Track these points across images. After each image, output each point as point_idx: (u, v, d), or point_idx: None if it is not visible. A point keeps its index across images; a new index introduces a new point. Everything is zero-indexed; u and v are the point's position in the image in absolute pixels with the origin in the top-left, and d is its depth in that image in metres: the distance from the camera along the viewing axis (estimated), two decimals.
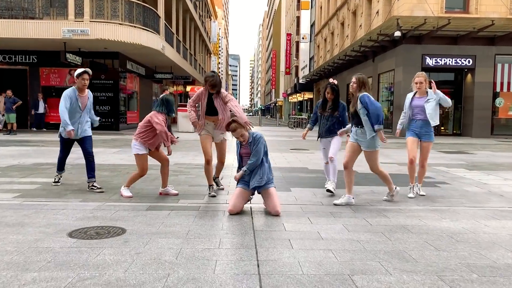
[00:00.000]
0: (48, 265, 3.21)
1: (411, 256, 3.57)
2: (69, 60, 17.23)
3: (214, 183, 6.23)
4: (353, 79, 5.58)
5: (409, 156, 6.28)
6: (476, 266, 3.34)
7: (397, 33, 18.18)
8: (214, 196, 5.86)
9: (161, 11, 20.89)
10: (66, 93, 6.13)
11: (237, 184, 5.19)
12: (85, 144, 6.30)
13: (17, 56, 19.79)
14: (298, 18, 59.60)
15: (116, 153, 10.97)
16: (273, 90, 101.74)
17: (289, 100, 70.27)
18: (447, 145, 15.59)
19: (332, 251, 3.66)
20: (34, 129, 19.65)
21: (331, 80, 6.41)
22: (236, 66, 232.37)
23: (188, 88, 37.02)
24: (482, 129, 20.31)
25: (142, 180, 7.15)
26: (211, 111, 5.92)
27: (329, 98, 6.35)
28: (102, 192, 6.08)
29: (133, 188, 6.38)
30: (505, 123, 20.92)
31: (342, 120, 6.39)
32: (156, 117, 5.67)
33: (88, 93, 6.41)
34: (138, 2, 18.74)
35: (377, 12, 23.88)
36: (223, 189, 6.46)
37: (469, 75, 20.73)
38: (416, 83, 6.31)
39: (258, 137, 5.10)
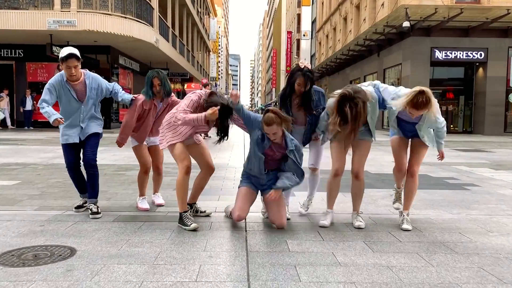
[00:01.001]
0: None
1: None
2: (55, 54, 16.14)
3: (188, 208, 4.06)
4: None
5: (396, 162, 4.23)
6: None
7: (406, 24, 17.07)
8: (195, 230, 3.74)
9: (155, 2, 19.80)
10: (49, 82, 4.25)
11: (241, 182, 4.05)
12: (87, 147, 4.31)
13: (1, 50, 18.70)
14: (298, 15, 58.49)
15: (100, 152, 9.91)
16: (274, 89, 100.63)
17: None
18: (460, 143, 14.49)
19: (356, 285, 2.58)
20: (31, 127, 18.62)
21: (301, 62, 4.16)
22: (237, 66, 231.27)
23: (185, 85, 35.97)
24: (495, 126, 19.20)
25: (120, 183, 6.09)
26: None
27: (298, 91, 4.07)
28: (96, 217, 4.15)
29: (106, 193, 5.31)
30: None
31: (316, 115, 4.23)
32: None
33: (86, 76, 4.28)
34: None
35: (382, 4, 22.77)
36: (208, 215, 4.34)
37: (480, 69, 19.62)
38: (413, 111, 3.69)
39: (299, 147, 3.87)
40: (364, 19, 26.22)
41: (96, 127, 4.41)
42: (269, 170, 3.95)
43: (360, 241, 3.48)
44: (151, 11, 19.00)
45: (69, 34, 16.11)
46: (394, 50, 21.04)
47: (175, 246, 3.28)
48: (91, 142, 4.33)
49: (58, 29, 15.25)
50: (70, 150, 4.35)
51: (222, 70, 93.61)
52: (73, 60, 4.06)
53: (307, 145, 4.41)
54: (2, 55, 18.75)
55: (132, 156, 8.59)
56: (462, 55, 18.99)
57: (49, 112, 4.07)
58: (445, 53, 18.93)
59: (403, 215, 4.02)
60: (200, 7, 41.10)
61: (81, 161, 4.36)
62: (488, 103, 19.20)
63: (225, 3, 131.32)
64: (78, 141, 4.31)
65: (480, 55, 18.98)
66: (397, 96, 3.86)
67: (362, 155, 4.05)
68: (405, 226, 3.89)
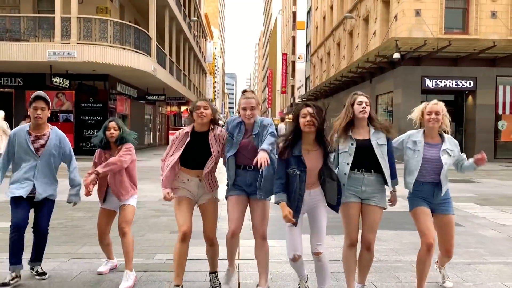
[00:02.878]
0: None
1: None
2: (55, 83, 16.54)
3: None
4: (365, 99, 3.59)
5: (426, 238, 3.64)
6: None
7: (396, 55, 17.63)
8: None
9: (152, 32, 20.33)
10: (11, 132, 4.16)
11: (228, 192, 3.76)
12: (40, 213, 4.08)
13: (1, 78, 19.08)
14: (293, 38, 59.56)
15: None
16: (270, 108, 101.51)
17: (286, 119, 69.88)
18: (450, 172, 14.84)
19: None
20: None
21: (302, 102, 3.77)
22: (233, 85, 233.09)
23: (182, 108, 36.49)
24: (485, 153, 19.59)
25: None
26: (195, 158, 3.73)
27: (309, 130, 3.33)
28: (43, 279, 4.07)
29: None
30: (509, 147, 20.27)
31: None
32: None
33: (52, 132, 4.12)
34: (129, 23, 18.23)
35: (374, 33, 23.44)
36: None
37: (470, 97, 20.15)
38: (430, 113, 3.68)
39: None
40: (357, 46, 26.89)
41: (51, 190, 4.16)
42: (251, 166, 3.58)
43: None
44: (149, 41, 19.51)
45: (68, 64, 16.52)
46: (386, 78, 21.60)
47: None
48: (45, 209, 4.10)
49: (58, 60, 15.66)
50: (18, 206, 3.97)
51: (218, 90, 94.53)
52: (40, 102, 3.98)
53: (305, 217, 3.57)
54: (2, 83, 19.13)
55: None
56: (452, 83, 19.51)
57: None
58: (435, 81, 19.46)
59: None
60: (197, 31, 41.90)
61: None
62: (478, 130, 19.66)
63: (221, 24, 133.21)
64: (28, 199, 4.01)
65: (469, 83, 19.52)
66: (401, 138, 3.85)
67: (375, 222, 3.59)
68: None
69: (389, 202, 3.71)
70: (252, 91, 3.76)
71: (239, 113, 3.73)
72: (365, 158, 3.50)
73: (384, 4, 22.40)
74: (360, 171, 3.51)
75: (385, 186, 3.61)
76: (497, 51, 18.30)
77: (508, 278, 4.26)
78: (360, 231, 3.63)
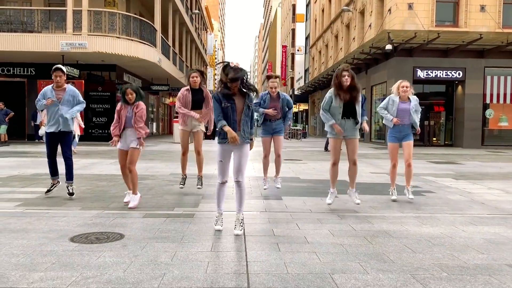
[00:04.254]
0: (53, 266, 3.48)
1: (388, 257, 3.86)
2: (67, 73, 17.53)
3: (186, 174, 7.30)
4: (346, 73, 5.66)
5: (392, 161, 6.88)
6: (448, 266, 3.64)
7: (388, 47, 18.63)
8: (181, 187, 7.22)
9: (157, 24, 21.30)
10: (43, 89, 6.52)
11: (261, 135, 7.20)
12: (63, 143, 6.50)
13: (15, 68, 20.10)
14: (293, 30, 60.33)
15: (113, 163, 11.23)
16: None
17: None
18: (438, 156, 15.93)
19: (316, 254, 3.94)
20: (40, 140, 19.92)
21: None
22: None
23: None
24: (473, 140, 20.71)
25: (139, 189, 7.41)
26: (195, 105, 6.87)
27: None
28: (71, 198, 6.45)
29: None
30: (496, 134, 21.35)
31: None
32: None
33: (68, 88, 6.43)
34: (135, 16, 19.17)
35: (370, 26, 24.40)
36: (199, 188, 7.23)
37: (459, 87, 21.20)
38: (403, 86, 6.71)
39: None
40: (354, 38, 27.85)
41: (68, 125, 6.47)
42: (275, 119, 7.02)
43: (326, 230, 4.84)
44: (154, 33, 20.49)
45: (79, 54, 17.53)
46: (380, 69, 22.60)
47: (194, 233, 4.62)
48: (66, 139, 6.53)
49: (70, 51, 16.65)
50: (50, 140, 6.53)
51: (218, 82, 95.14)
52: (58, 72, 6.28)
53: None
54: (16, 73, 20.14)
55: (140, 166, 9.98)
56: (442, 74, 20.54)
57: (40, 99, 6.33)
58: (426, 72, 20.48)
59: (407, 189, 6.81)
60: (198, 23, 42.75)
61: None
62: (467, 118, 20.73)
63: (221, 16, 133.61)
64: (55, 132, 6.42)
65: (459, 74, 20.55)
66: (385, 103, 6.89)
67: (354, 148, 5.99)
68: (410, 196, 6.72)
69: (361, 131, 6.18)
70: (277, 76, 7.03)
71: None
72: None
73: None
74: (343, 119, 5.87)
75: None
76: (485, 43, 19.31)
77: (459, 223, 5.32)
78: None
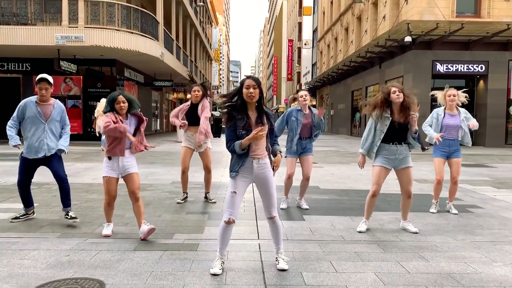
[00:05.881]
0: None
1: None
2: (63, 68, 16.43)
3: (187, 192, 6.60)
4: (396, 89, 4.72)
5: (437, 176, 6.00)
6: None
7: (408, 39, 17.35)
8: (178, 203, 6.33)
9: (160, 16, 20.12)
10: (22, 101, 5.16)
11: (286, 153, 5.88)
12: (53, 166, 5.16)
13: (9, 63, 19.01)
14: (299, 24, 58.93)
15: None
16: (275, 96, 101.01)
17: (291, 107, 69.50)
18: (463, 156, 14.66)
19: None
20: None
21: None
22: (237, 72, 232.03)
23: (189, 95, 36.22)
24: (496, 138, 19.42)
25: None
26: (192, 121, 6.28)
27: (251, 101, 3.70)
28: (75, 221, 5.16)
29: (123, 217, 5.51)
30: None
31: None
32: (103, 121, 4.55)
33: (55, 103, 5.20)
34: (136, 7, 17.99)
35: (384, 17, 23.09)
36: (214, 202, 6.47)
37: (481, 82, 19.88)
38: (450, 95, 5.80)
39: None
40: (366, 31, 26.53)
41: (56, 146, 5.20)
42: (305, 137, 5.98)
43: (371, 273, 3.68)
44: (156, 25, 19.31)
45: (76, 48, 16.40)
46: (396, 62, 21.31)
47: (197, 279, 3.47)
48: (55, 162, 5.19)
49: (66, 45, 15.52)
50: (27, 165, 5.22)
51: (223, 77, 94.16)
52: (44, 84, 5.00)
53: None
54: (10, 68, 19.05)
55: (144, 174, 8.80)
56: (463, 68, 19.24)
57: (9, 133, 5.11)
58: (446, 66, 19.19)
59: (449, 204, 6.12)
60: (203, 17, 41.51)
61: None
62: (489, 115, 19.43)
63: (226, 10, 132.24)
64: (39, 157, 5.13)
65: (481, 68, 19.24)
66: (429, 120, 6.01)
67: (410, 177, 4.93)
68: (454, 211, 6.01)
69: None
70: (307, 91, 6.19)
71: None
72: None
73: None
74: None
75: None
76: (510, 35, 17.98)
77: None
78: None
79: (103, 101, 14.16)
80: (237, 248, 4.33)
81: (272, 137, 3.85)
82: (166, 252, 4.17)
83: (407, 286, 3.40)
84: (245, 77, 3.63)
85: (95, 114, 10.60)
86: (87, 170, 9.86)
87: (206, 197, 6.61)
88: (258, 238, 4.68)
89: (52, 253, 4.09)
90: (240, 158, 3.62)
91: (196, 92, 6.28)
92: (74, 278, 3.48)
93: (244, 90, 3.56)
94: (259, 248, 4.33)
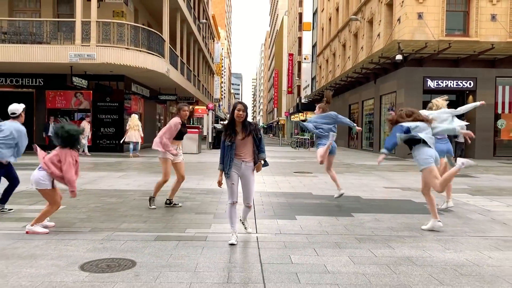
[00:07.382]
0: None
1: None
2: (75, 84, 17.50)
3: (155, 198, 7.32)
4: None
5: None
6: None
7: (399, 57, 18.43)
8: (154, 208, 7.06)
9: (166, 34, 21.26)
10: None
11: (318, 146, 7.82)
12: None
13: (23, 79, 20.11)
14: (300, 38, 60.36)
15: (122, 177, 11.07)
16: (275, 108, 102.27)
17: (292, 119, 70.62)
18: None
19: (339, 286, 3.73)
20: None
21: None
22: (239, 85, 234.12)
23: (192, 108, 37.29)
24: (485, 151, 20.38)
25: (148, 209, 7.23)
26: (178, 137, 7.17)
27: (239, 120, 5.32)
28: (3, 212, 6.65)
29: (141, 217, 6.46)
30: (507, 144, 21.01)
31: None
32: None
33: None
34: (144, 27, 19.12)
35: (378, 35, 24.23)
36: (180, 206, 7.32)
37: (470, 97, 20.91)
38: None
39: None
40: (362, 47, 27.68)
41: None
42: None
43: (346, 256, 4.63)
44: (162, 43, 20.44)
45: (87, 65, 17.47)
46: (389, 78, 22.38)
47: (208, 260, 4.43)
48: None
49: (78, 62, 16.61)
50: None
51: (224, 90, 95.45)
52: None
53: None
54: (24, 83, 20.15)
55: (149, 180, 9.77)
56: (453, 84, 20.29)
57: None
58: (436, 82, 20.24)
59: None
60: (205, 33, 42.82)
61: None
62: (478, 128, 20.37)
63: (227, 24, 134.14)
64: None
65: (470, 84, 20.28)
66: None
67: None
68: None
69: None
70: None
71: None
72: None
73: (388, 7, 23.19)
74: None
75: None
76: (497, 53, 19.05)
77: (483, 247, 5.09)
78: None
79: (134, 116, 16.95)
80: (239, 239, 5.29)
81: (260, 145, 5.12)
82: (181, 241, 5.13)
83: (372, 265, 4.35)
84: (236, 102, 5.04)
85: (127, 127, 13.61)
86: (102, 178, 10.83)
87: (170, 203, 7.34)
88: (256, 232, 5.63)
89: (88, 242, 5.04)
90: (231, 161, 5.00)
91: (186, 112, 7.20)
92: (111, 258, 4.43)
93: (236, 112, 4.94)
94: (257, 239, 5.29)
